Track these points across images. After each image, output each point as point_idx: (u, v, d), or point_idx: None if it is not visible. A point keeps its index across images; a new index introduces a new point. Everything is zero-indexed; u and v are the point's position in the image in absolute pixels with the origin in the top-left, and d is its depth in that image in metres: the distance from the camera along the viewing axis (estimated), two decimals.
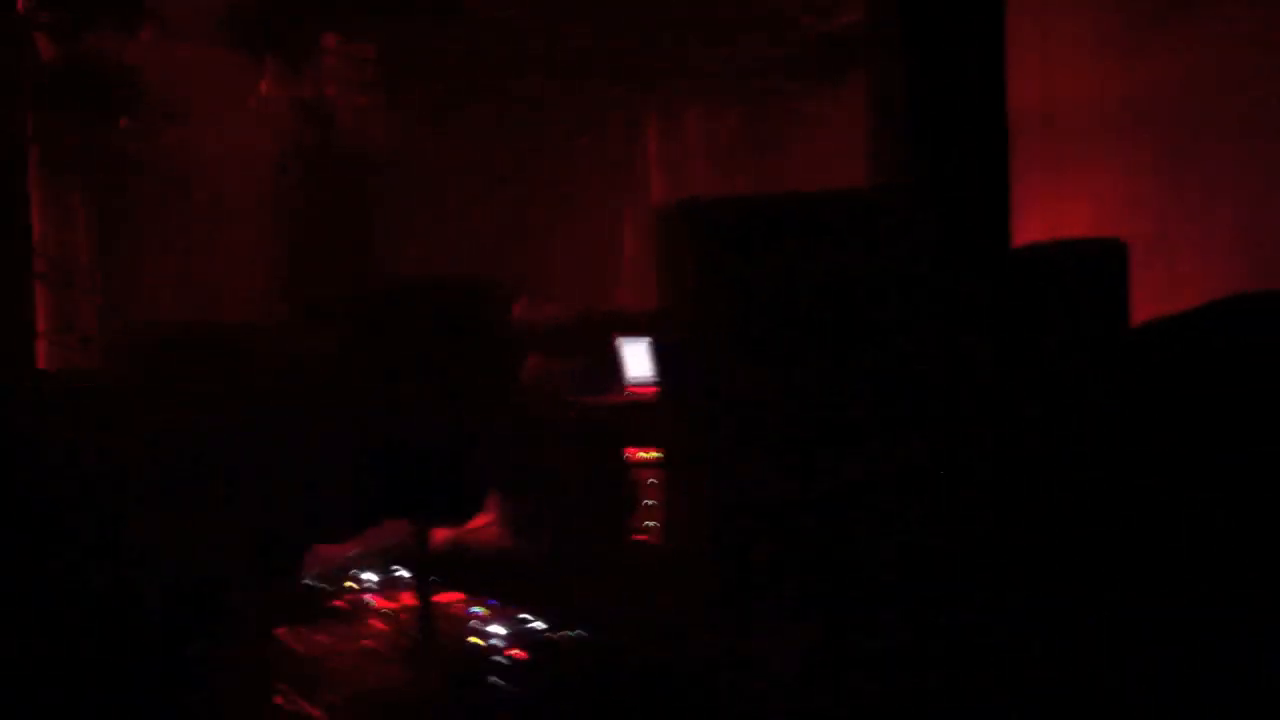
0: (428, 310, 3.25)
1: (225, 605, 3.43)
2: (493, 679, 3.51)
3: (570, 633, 3.64)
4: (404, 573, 4.54)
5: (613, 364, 6.31)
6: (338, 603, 4.41)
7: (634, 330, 6.16)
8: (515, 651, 3.65)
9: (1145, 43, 6.21)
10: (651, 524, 4.84)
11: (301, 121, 7.07)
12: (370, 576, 4.60)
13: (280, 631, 4.04)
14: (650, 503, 4.85)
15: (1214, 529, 2.78)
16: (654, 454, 4.87)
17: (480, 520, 4.76)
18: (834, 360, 2.68)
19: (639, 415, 5.46)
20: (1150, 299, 3.43)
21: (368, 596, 4.45)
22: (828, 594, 2.57)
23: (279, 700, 3.81)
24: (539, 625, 3.79)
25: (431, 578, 4.24)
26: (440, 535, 4.69)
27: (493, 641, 3.74)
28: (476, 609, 3.99)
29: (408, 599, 4.08)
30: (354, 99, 7.36)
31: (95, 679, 3.38)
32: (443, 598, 4.19)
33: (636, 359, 6.39)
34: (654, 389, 5.13)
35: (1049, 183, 5.87)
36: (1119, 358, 3.27)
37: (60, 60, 6.35)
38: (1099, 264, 3.44)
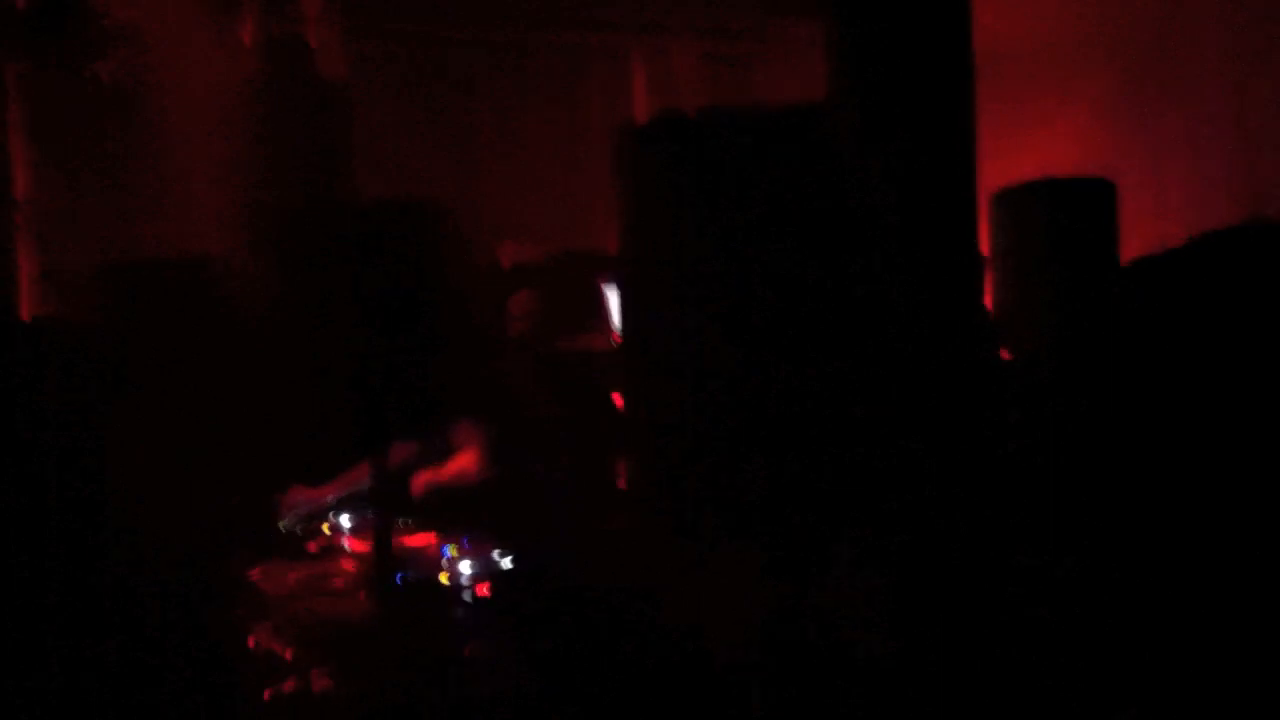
0: (374, 235, 3.22)
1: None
2: (457, 613, 3.53)
3: (534, 567, 3.65)
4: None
5: (598, 307, 6.30)
6: (310, 545, 4.42)
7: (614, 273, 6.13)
8: (481, 587, 3.66)
9: None
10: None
11: (273, 57, 7.04)
12: (344, 520, 4.60)
13: (253, 573, 4.06)
14: None
15: (1212, 467, 2.76)
16: None
17: (465, 461, 4.77)
18: (780, 289, 2.62)
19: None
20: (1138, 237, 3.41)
21: (341, 539, 4.46)
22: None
23: (250, 641, 3.82)
24: (507, 563, 3.79)
25: (404, 519, 4.26)
26: (420, 479, 4.71)
27: (461, 579, 3.75)
28: (448, 548, 3.99)
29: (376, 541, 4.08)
30: (324, 34, 7.34)
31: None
32: (416, 539, 4.19)
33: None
34: None
35: (1021, 120, 5.83)
36: (1110, 295, 3.25)
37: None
38: (1088, 202, 3.42)
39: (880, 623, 2.64)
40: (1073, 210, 3.44)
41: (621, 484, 4.96)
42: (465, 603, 3.60)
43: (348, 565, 4.13)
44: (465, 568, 3.79)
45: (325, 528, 4.58)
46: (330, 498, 4.72)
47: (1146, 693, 2.71)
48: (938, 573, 2.64)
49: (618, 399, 5.25)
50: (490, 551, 3.91)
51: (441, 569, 3.85)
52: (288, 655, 3.72)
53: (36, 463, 3.57)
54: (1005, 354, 3.27)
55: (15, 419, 3.63)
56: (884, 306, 2.74)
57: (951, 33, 3.06)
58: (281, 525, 4.63)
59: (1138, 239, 3.39)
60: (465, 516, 4.30)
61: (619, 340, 6.14)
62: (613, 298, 6.32)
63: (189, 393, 4.35)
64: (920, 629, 2.64)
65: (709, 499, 2.50)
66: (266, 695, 3.67)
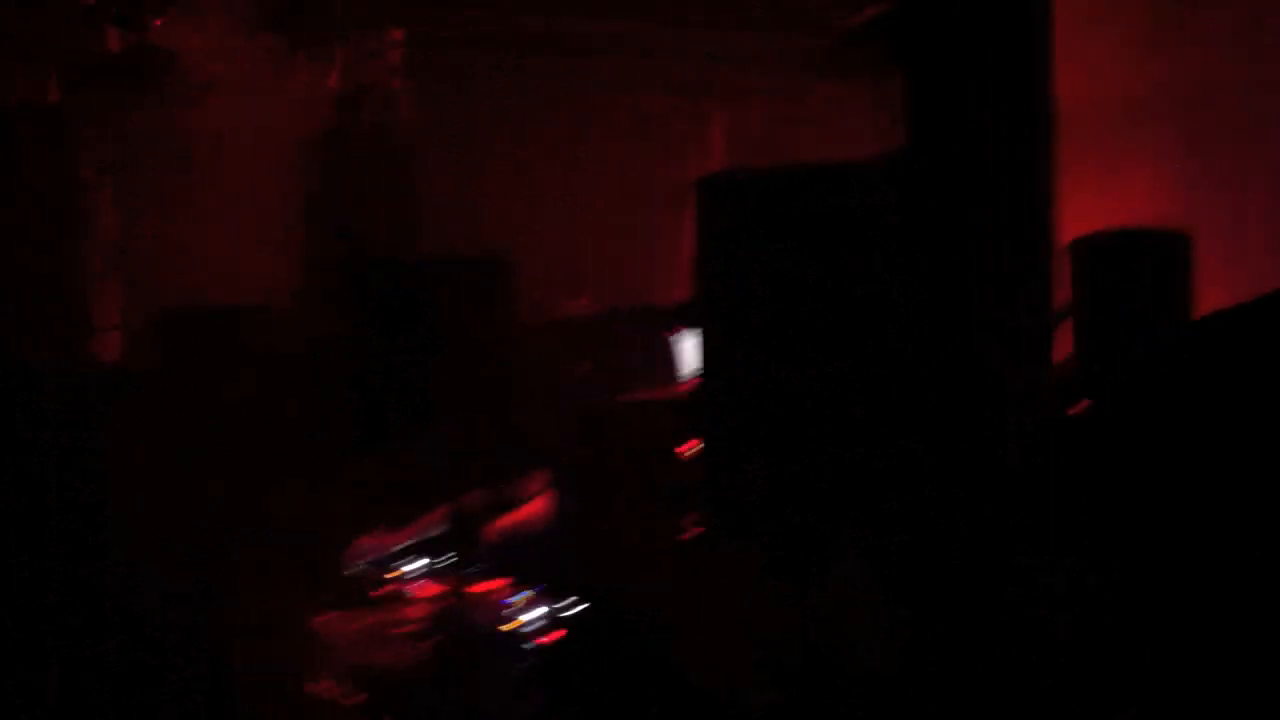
0: (439, 286, 3.24)
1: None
2: (522, 662, 3.52)
3: (597, 617, 3.62)
4: (446, 562, 4.54)
5: (665, 357, 6.30)
6: (377, 592, 4.42)
7: (676, 322, 6.14)
8: (548, 636, 3.64)
9: (1171, 36, 6.12)
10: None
11: (334, 107, 7.12)
12: (412, 566, 4.60)
13: (319, 620, 4.06)
14: None
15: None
16: None
17: (535, 508, 4.76)
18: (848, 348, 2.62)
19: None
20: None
21: (407, 585, 4.46)
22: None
23: (318, 687, 3.82)
24: (574, 611, 3.77)
25: (473, 566, 4.25)
26: (492, 526, 4.71)
27: (527, 628, 3.73)
28: (517, 595, 3.98)
29: (447, 586, 4.07)
30: (385, 83, 7.41)
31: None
32: (484, 585, 4.18)
33: (689, 353, 6.38)
34: None
35: (1078, 176, 5.78)
36: (1183, 347, 3.22)
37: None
38: (1162, 254, 3.41)
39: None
40: (1147, 261, 3.42)
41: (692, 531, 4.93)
42: (531, 651, 3.58)
43: (413, 612, 4.12)
44: (532, 616, 3.78)
45: (393, 573, 4.59)
46: (399, 544, 4.73)
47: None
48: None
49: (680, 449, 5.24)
50: (557, 600, 3.90)
51: (509, 617, 3.83)
52: (348, 703, 3.72)
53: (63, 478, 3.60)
54: (1084, 404, 3.24)
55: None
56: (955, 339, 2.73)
57: (1032, 86, 3.06)
58: (348, 571, 4.64)
59: (1215, 291, 3.35)
60: (534, 564, 4.29)
61: (688, 387, 6.16)
62: (683, 347, 6.33)
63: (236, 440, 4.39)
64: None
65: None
66: None
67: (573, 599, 3.85)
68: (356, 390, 3.25)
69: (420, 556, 4.64)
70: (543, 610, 3.81)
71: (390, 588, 4.45)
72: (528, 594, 3.95)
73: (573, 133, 8.71)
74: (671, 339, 6.36)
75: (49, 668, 3.33)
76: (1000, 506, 2.64)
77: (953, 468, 2.58)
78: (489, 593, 4.10)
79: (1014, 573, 2.66)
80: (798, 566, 2.61)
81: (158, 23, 6.60)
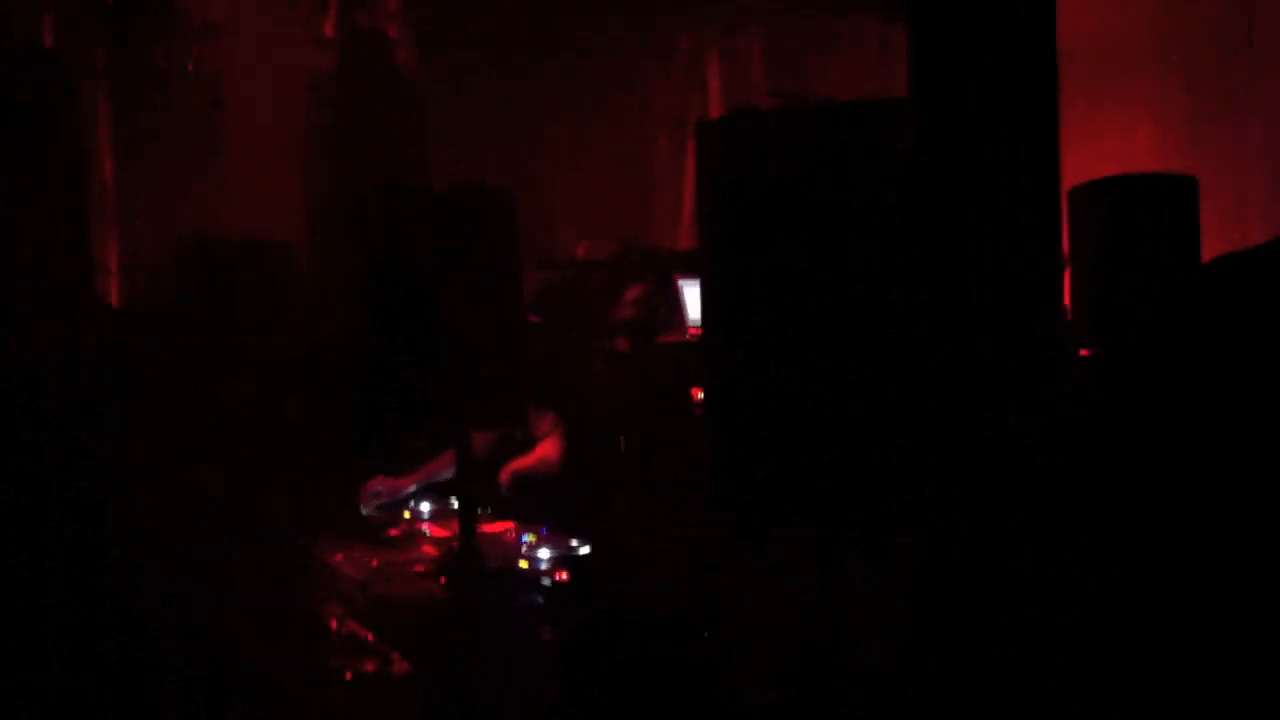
0: (448, 218, 3.26)
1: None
2: (535, 598, 3.60)
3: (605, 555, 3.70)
4: (457, 502, 4.62)
5: (674, 303, 6.34)
6: (392, 531, 4.50)
7: (688, 269, 6.18)
8: (559, 574, 3.72)
9: None
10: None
11: (354, 49, 7.15)
12: (425, 507, 4.68)
13: (336, 558, 4.14)
14: None
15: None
16: None
17: (547, 450, 4.83)
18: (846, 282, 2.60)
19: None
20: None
21: (421, 525, 4.53)
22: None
23: (332, 623, 3.91)
24: (585, 550, 3.85)
25: (485, 507, 4.32)
26: (505, 468, 4.78)
27: (539, 565, 3.81)
28: (527, 536, 4.05)
29: (458, 526, 4.15)
30: (402, 29, 7.44)
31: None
32: (495, 526, 4.26)
33: (696, 300, 6.40)
34: None
35: (1088, 122, 5.80)
36: (1192, 291, 3.22)
37: None
38: (1170, 198, 3.40)
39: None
40: (1152, 206, 3.42)
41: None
42: (543, 589, 3.66)
43: (425, 551, 4.21)
44: (543, 554, 3.85)
45: (406, 514, 4.66)
46: (411, 486, 4.81)
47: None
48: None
49: (695, 393, 5.29)
50: (568, 539, 3.97)
51: (520, 556, 3.91)
52: (369, 637, 3.80)
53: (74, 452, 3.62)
54: (1084, 352, 3.27)
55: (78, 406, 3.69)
56: (959, 302, 2.73)
57: (1036, 28, 3.06)
58: (362, 511, 4.72)
59: (1216, 241, 3.38)
60: (545, 505, 4.36)
61: (696, 333, 6.20)
62: (689, 294, 6.37)
63: (249, 378, 4.43)
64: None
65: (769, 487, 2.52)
66: (348, 676, 3.75)
67: (582, 540, 3.93)
68: (369, 327, 3.28)
69: (432, 497, 4.72)
70: (553, 550, 3.89)
71: (403, 528, 4.54)
72: (538, 534, 4.02)
73: (575, 72, 8.69)
74: (679, 283, 6.40)
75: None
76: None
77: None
78: (500, 533, 4.18)
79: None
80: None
81: None
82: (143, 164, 6.90)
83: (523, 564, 3.86)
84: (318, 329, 4.09)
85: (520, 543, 4.02)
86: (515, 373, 3.33)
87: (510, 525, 4.23)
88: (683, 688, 3.22)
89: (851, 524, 2.59)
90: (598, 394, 5.00)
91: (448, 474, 4.82)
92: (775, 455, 2.55)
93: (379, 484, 4.82)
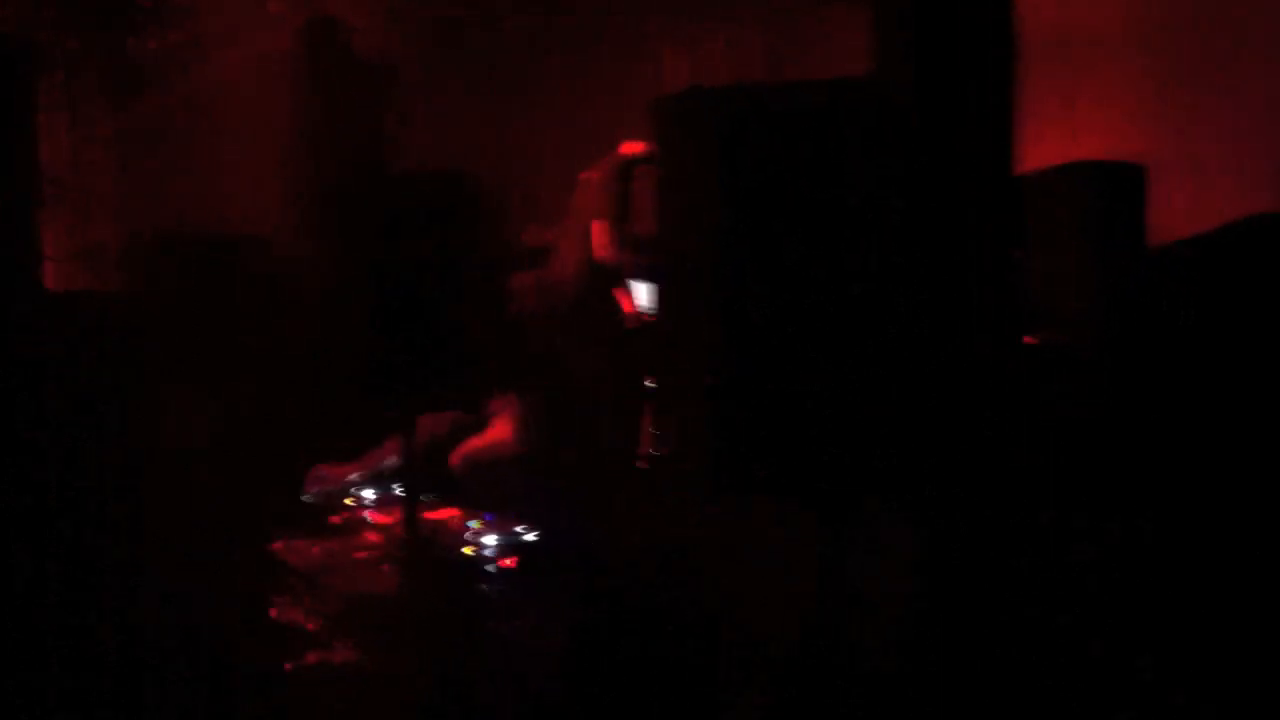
0: (415, 203, 3.20)
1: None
2: (481, 586, 3.54)
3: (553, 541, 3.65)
4: (401, 490, 4.55)
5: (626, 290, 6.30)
6: (334, 519, 4.43)
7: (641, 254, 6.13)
8: (504, 560, 3.66)
9: None
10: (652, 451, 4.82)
11: (312, 34, 7.07)
12: (368, 494, 4.62)
13: (277, 545, 4.06)
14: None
15: (1238, 458, 2.73)
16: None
17: (500, 432, 4.77)
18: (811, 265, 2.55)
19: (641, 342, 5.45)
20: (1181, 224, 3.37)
21: (364, 512, 4.46)
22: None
23: (273, 611, 3.83)
24: (530, 537, 3.80)
25: (433, 492, 4.26)
26: (458, 451, 4.71)
27: (485, 552, 3.75)
28: (472, 522, 3.99)
29: (405, 512, 4.08)
30: (365, 13, 7.36)
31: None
32: (441, 513, 4.20)
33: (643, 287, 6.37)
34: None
35: (1050, 107, 5.78)
36: (1138, 280, 3.22)
37: None
38: (1117, 187, 3.40)
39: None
40: (1102, 194, 3.42)
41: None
42: (490, 575, 3.60)
43: (371, 538, 4.14)
44: (490, 541, 3.79)
45: (349, 501, 4.60)
46: (355, 475, 4.74)
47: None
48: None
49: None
50: (514, 525, 3.92)
51: (466, 543, 3.85)
52: (311, 627, 3.72)
53: (56, 445, 3.55)
54: (1032, 339, 3.26)
55: (40, 392, 3.62)
56: (916, 280, 2.69)
57: (996, 12, 3.03)
58: (306, 499, 4.65)
59: (1179, 228, 3.37)
60: (495, 491, 4.30)
61: (647, 318, 6.16)
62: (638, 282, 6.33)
63: (218, 368, 4.36)
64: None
65: (743, 455, 2.46)
66: (289, 667, 3.67)
67: (531, 525, 3.88)
68: (345, 317, 3.22)
69: (379, 483, 4.65)
70: (501, 536, 3.83)
71: (349, 514, 4.47)
72: (486, 520, 3.97)
73: (544, 59, 8.62)
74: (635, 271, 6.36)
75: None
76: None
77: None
78: (448, 519, 4.11)
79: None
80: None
81: None
82: (102, 149, 6.80)
83: (468, 550, 3.79)
84: (280, 316, 4.01)
85: (466, 529, 3.96)
86: (471, 355, 3.26)
87: (456, 512, 4.17)
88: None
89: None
90: (548, 381, 4.95)
91: (392, 462, 4.76)
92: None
93: (323, 471, 4.75)
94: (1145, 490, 2.77)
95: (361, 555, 3.93)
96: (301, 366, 3.63)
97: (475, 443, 4.68)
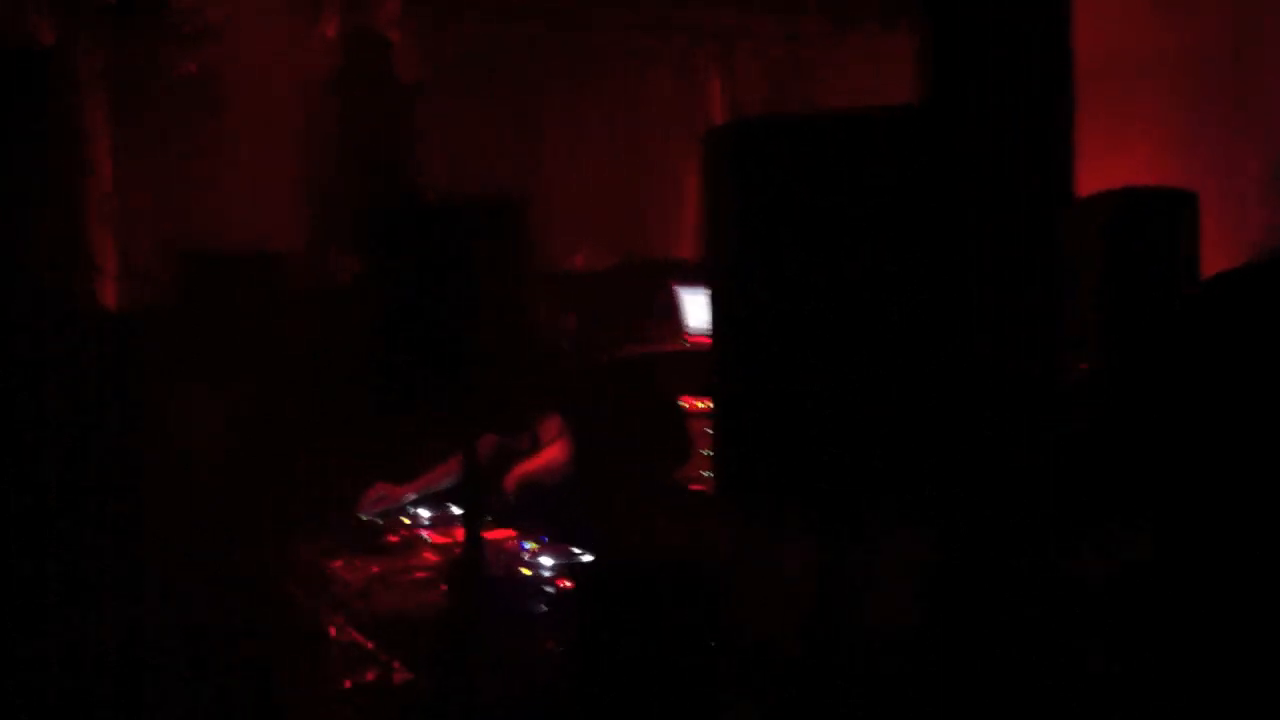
0: (454, 228, 3.23)
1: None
2: (539, 606, 3.56)
3: (610, 563, 3.67)
4: (458, 510, 4.59)
5: (669, 311, 6.33)
6: (391, 537, 4.47)
7: (687, 277, 6.18)
8: (562, 581, 3.69)
9: None
10: (707, 473, 4.85)
11: (354, 52, 7.14)
12: (425, 513, 4.66)
13: (335, 564, 4.11)
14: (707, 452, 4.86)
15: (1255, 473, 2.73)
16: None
17: (553, 455, 4.80)
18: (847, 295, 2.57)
19: (695, 364, 5.48)
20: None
21: (421, 531, 4.51)
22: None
23: (331, 631, 3.87)
24: (587, 558, 3.82)
25: (488, 513, 4.29)
26: (511, 474, 4.75)
27: (541, 572, 3.78)
28: (528, 543, 4.02)
29: (460, 533, 4.12)
30: (402, 32, 7.43)
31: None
32: (497, 533, 4.23)
33: (696, 307, 6.41)
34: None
35: (1107, 134, 5.77)
36: (1187, 310, 3.21)
37: None
38: (1167, 214, 3.39)
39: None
40: (1152, 220, 3.41)
41: (692, 485, 4.99)
42: (546, 596, 3.63)
43: (426, 559, 4.17)
44: (546, 562, 3.82)
45: (405, 520, 4.64)
46: (412, 493, 4.79)
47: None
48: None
49: (687, 401, 5.28)
50: (571, 546, 3.95)
51: (523, 564, 3.88)
52: (369, 645, 3.76)
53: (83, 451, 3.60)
54: (1083, 365, 3.26)
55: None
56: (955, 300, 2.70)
57: (1052, 39, 3.03)
58: (362, 517, 4.70)
59: (1215, 256, 3.36)
60: (549, 512, 4.33)
61: (695, 340, 6.19)
62: (688, 302, 6.36)
63: (254, 383, 4.40)
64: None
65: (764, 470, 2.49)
66: (347, 684, 3.71)
67: (585, 548, 3.90)
68: (378, 338, 3.25)
69: (434, 504, 4.69)
70: (556, 558, 3.86)
71: (403, 534, 4.50)
72: (541, 541, 4.00)
73: (577, 79, 8.67)
74: (679, 292, 6.39)
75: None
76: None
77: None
78: (502, 540, 4.14)
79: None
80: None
81: None
82: (142, 167, 6.87)
83: (525, 571, 3.83)
84: (318, 336, 4.06)
85: (522, 550, 3.99)
86: (521, 379, 3.29)
87: (512, 533, 4.20)
88: (683, 688, 3.19)
89: (853, 524, 2.57)
90: (599, 403, 4.98)
91: (449, 481, 4.80)
92: (778, 457, 2.51)
93: (380, 490, 4.80)
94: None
95: (419, 575, 3.97)
96: (341, 386, 3.67)
97: (528, 465, 4.72)
